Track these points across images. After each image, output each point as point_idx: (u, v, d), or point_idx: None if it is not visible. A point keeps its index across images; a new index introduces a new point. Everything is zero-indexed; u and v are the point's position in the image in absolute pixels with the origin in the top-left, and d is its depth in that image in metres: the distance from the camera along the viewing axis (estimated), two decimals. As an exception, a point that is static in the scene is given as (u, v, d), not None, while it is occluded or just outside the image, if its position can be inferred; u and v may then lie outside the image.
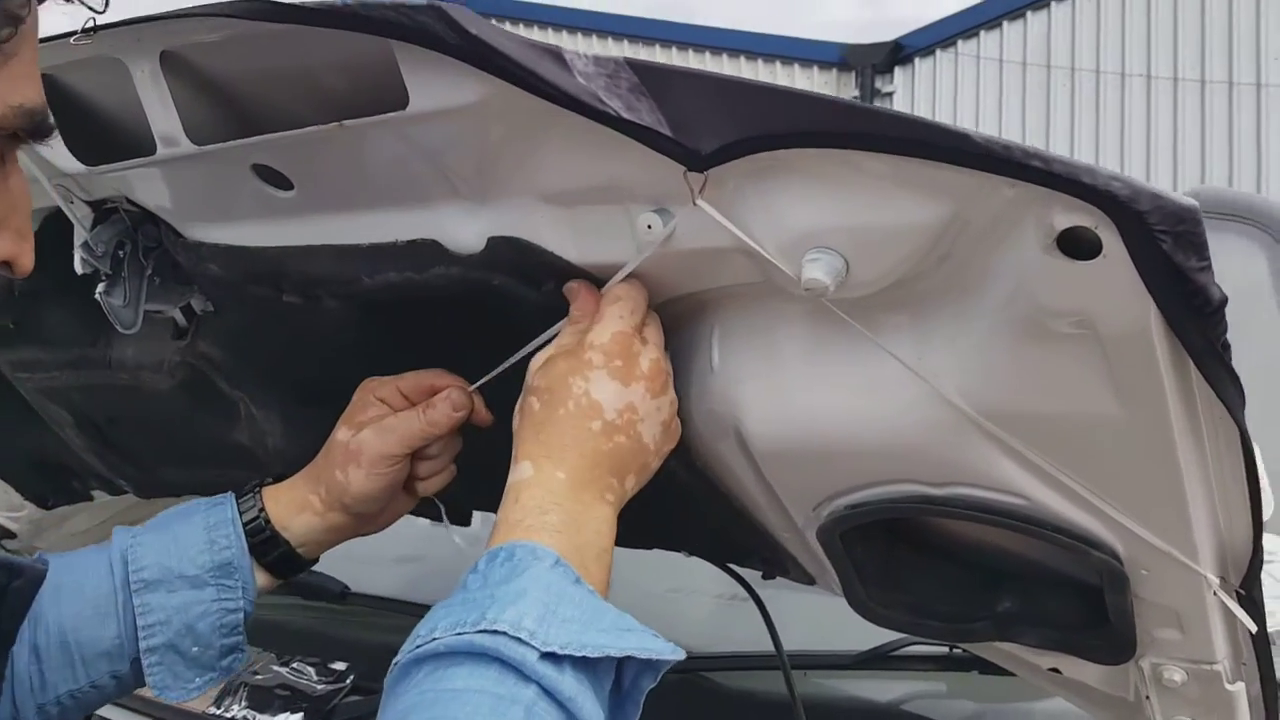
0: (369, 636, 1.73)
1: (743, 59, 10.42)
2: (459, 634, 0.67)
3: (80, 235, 1.12)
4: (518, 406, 0.89)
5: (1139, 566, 0.88)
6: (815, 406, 0.87)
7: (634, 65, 0.74)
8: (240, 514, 0.98)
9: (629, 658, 0.71)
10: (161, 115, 0.95)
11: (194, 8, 0.84)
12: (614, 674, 0.72)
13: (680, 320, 0.98)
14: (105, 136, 1.04)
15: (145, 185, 1.07)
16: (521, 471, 0.83)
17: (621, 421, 0.84)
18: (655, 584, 1.80)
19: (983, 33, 9.82)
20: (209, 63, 0.94)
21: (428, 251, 0.95)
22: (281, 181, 0.97)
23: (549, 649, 0.67)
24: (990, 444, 0.82)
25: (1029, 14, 9.65)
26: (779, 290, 0.85)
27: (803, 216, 0.75)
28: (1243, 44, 8.70)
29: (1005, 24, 9.75)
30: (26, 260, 0.71)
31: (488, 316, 0.99)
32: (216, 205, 1.05)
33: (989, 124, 9.51)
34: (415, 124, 0.84)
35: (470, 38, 0.74)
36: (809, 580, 1.11)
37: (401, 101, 0.83)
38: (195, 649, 0.94)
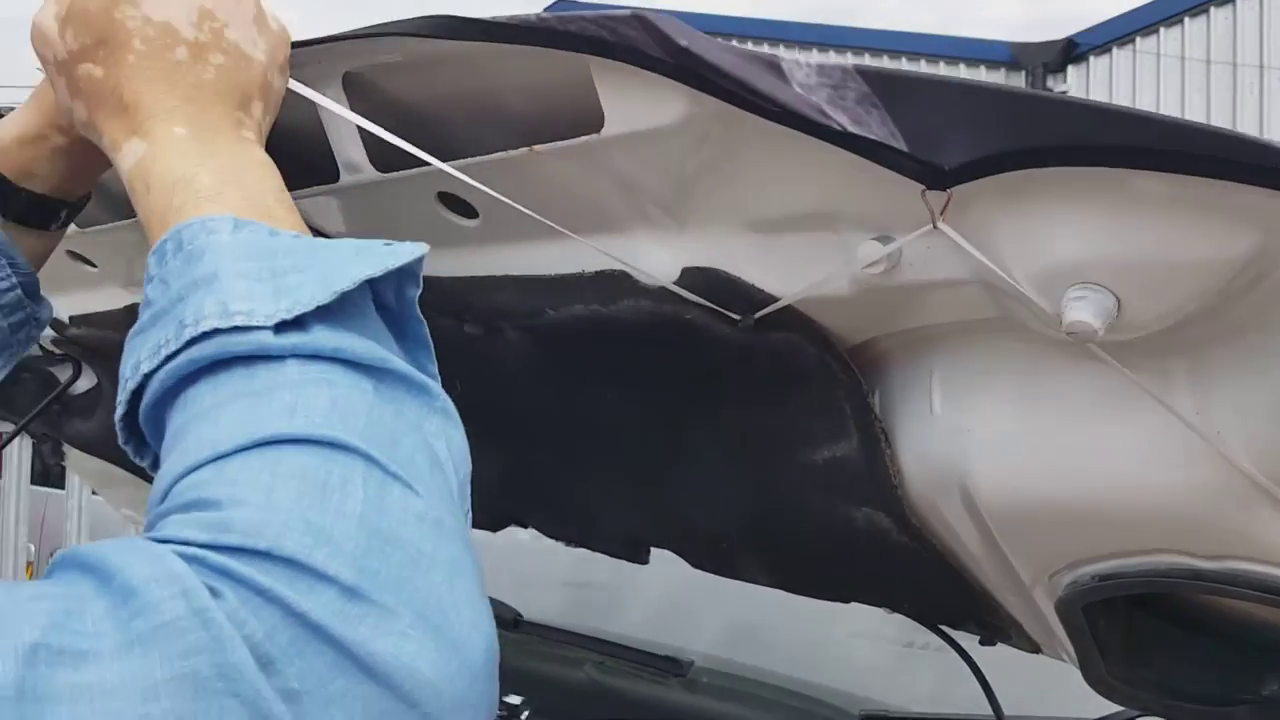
0: (544, 668, 1.67)
1: (904, 60, 10.14)
2: (167, 357, 0.54)
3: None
4: (62, 91, 0.69)
5: None
6: (1062, 463, 0.76)
7: (864, 73, 0.65)
8: None
9: (379, 279, 0.58)
10: (346, 141, 0.91)
11: (385, 25, 0.79)
12: (370, 303, 0.59)
13: (891, 356, 0.88)
14: (285, 163, 1.02)
15: (324, 213, 1.04)
16: (131, 153, 0.65)
17: (207, 36, 0.67)
18: (829, 630, 1.69)
19: (1163, 29, 9.28)
20: (393, 85, 0.89)
21: (617, 283, 0.89)
22: (466, 210, 0.93)
23: (277, 318, 0.53)
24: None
25: (1212, 9, 9.07)
26: (1018, 327, 0.74)
27: (1064, 246, 0.64)
28: None
29: (1187, 20, 9.20)
30: None
31: (678, 351, 0.92)
32: (398, 235, 1.00)
33: (1170, 125, 8.97)
34: (611, 147, 0.78)
35: (680, 51, 0.67)
36: (1034, 648, 0.99)
37: (596, 123, 0.77)
38: None
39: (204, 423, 0.52)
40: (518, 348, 1.01)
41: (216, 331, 0.53)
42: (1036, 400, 0.77)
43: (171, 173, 0.63)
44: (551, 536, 1.38)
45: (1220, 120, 8.87)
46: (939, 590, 0.98)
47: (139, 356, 0.56)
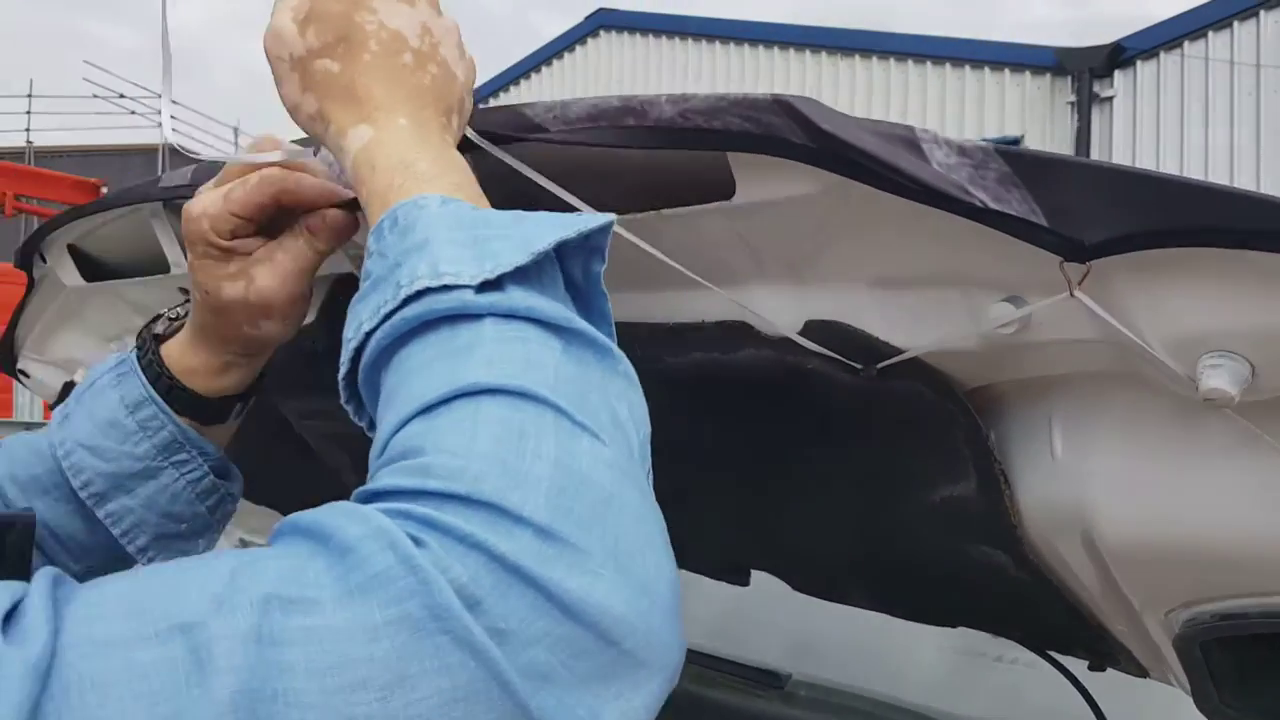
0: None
1: (948, 66, 10.10)
2: (385, 316, 0.59)
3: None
4: (292, 86, 0.75)
5: None
6: (1187, 509, 0.79)
7: (1005, 154, 0.69)
8: (159, 395, 0.86)
9: (569, 254, 0.63)
10: None
11: (538, 131, 0.82)
12: (560, 275, 0.63)
13: (1009, 399, 0.91)
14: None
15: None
16: (359, 137, 0.71)
17: (427, 48, 0.76)
18: (893, 639, 1.68)
19: (1211, 33, 9.16)
20: (511, 147, 0.93)
21: (738, 333, 0.92)
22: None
23: (480, 279, 0.58)
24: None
25: (1262, 12, 8.93)
26: (1140, 379, 0.78)
27: (1199, 317, 0.68)
28: None
29: (1236, 24, 9.07)
30: None
31: (798, 398, 0.96)
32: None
33: (1220, 131, 8.85)
34: (740, 213, 0.81)
35: (824, 135, 0.71)
36: (1141, 673, 1.02)
37: (726, 191, 0.80)
38: (183, 525, 0.88)
39: (415, 380, 0.56)
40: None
41: (428, 290, 0.58)
42: (1160, 446, 0.80)
43: (395, 156, 0.70)
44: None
45: (1272, 124, 8.75)
46: (1051, 619, 1.01)
47: (361, 318, 0.61)
